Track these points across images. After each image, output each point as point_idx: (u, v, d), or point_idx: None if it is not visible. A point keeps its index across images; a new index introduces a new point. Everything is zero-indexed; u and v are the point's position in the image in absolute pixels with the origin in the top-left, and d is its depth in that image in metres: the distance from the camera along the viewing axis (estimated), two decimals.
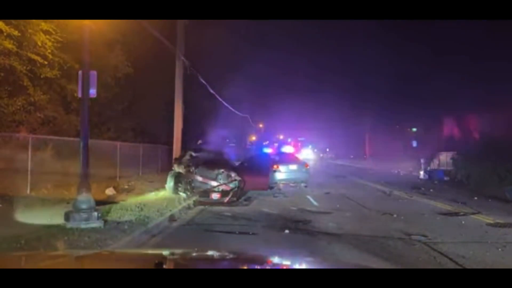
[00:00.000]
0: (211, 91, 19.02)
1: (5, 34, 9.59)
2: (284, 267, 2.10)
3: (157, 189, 12.80)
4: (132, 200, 10.28)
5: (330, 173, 26.00)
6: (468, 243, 6.85)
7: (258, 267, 2.08)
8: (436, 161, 24.29)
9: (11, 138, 10.50)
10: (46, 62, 10.91)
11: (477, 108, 27.15)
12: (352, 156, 48.17)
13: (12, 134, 10.64)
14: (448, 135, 32.40)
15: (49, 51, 10.75)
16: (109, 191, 11.20)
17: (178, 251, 2.51)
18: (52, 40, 10.79)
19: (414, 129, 40.69)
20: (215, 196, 11.54)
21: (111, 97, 15.47)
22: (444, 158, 23.84)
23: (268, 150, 21.38)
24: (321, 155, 61.07)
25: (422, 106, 34.45)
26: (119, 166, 15.09)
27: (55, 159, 11.57)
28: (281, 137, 43.81)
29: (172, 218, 8.61)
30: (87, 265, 2.08)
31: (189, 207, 10.41)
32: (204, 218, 9.30)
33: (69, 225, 6.66)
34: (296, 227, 8.00)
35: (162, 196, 11.33)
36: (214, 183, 11.80)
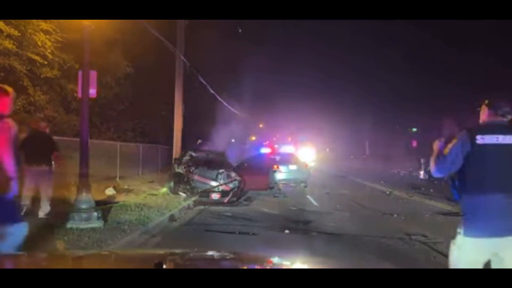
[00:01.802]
0: (211, 91, 19.03)
1: (5, 34, 9.59)
2: (284, 267, 2.10)
3: (157, 189, 12.79)
4: (132, 200, 10.27)
5: (330, 173, 25.99)
6: None
7: (258, 267, 2.07)
8: None
9: None
10: (46, 62, 10.91)
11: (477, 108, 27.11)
12: (352, 156, 48.21)
13: None
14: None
15: (49, 51, 10.75)
16: (109, 191, 11.19)
17: (178, 251, 2.51)
18: (52, 40, 10.79)
19: (414, 129, 40.70)
20: (215, 196, 11.53)
21: (111, 97, 15.48)
22: None
23: (266, 150, 21.31)
24: (321, 155, 61.07)
25: (422, 106, 34.48)
26: (119, 166, 15.07)
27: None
28: (280, 137, 43.80)
29: (172, 218, 8.61)
30: (87, 265, 2.08)
31: (189, 207, 10.41)
32: (204, 218, 9.30)
33: (69, 225, 6.66)
34: (296, 227, 8.00)
35: (162, 196, 11.32)
36: (214, 183, 11.79)
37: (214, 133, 19.76)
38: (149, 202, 10.03)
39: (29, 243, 5.48)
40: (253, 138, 38.98)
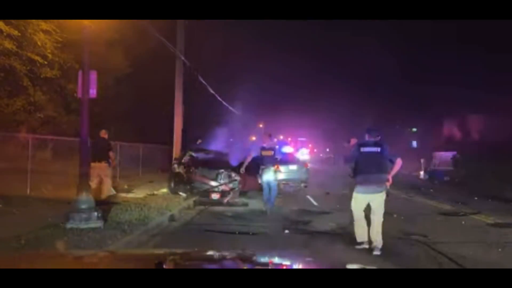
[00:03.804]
0: (211, 91, 19.02)
1: (5, 34, 9.59)
2: (284, 267, 2.10)
3: (157, 189, 12.79)
4: (132, 200, 10.28)
5: (330, 173, 25.96)
6: (468, 243, 6.85)
7: (258, 267, 2.07)
8: (436, 161, 24.27)
9: (11, 138, 10.50)
10: (46, 62, 10.91)
11: (477, 109, 27.19)
12: None
13: (12, 134, 10.64)
14: (448, 135, 32.41)
15: (49, 51, 10.75)
16: (109, 191, 11.18)
17: (178, 251, 2.51)
18: (52, 40, 10.78)
19: (414, 129, 40.69)
20: (215, 196, 11.52)
21: (111, 97, 15.47)
22: (444, 158, 23.83)
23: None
24: (321, 155, 61.09)
25: (422, 106, 34.46)
26: (119, 166, 15.07)
27: (55, 159, 11.58)
28: (281, 137, 43.74)
29: (172, 218, 8.61)
30: (87, 265, 2.08)
31: (189, 207, 10.41)
32: (204, 218, 9.31)
33: (69, 225, 6.65)
34: (296, 227, 8.00)
35: (162, 196, 11.32)
36: (214, 183, 11.79)
37: (215, 133, 19.76)
38: (149, 202, 10.03)
39: (30, 243, 5.51)
40: (253, 138, 38.93)
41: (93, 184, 9.82)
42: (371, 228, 6.15)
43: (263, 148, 10.31)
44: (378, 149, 6.15)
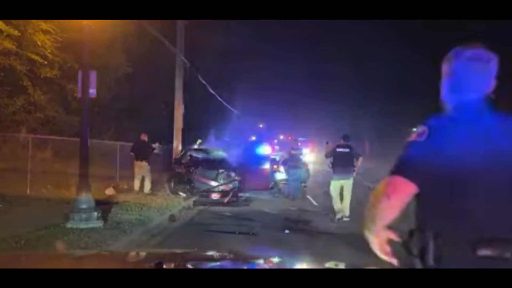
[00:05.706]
0: (211, 91, 19.03)
1: (5, 34, 9.59)
2: (284, 267, 2.10)
3: (157, 189, 12.79)
4: (132, 200, 10.27)
5: (330, 173, 25.97)
6: None
7: (258, 267, 2.07)
8: None
9: (11, 138, 10.50)
10: (46, 62, 10.91)
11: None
12: None
13: (12, 134, 10.64)
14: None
15: (49, 51, 10.75)
16: (109, 191, 11.18)
17: (178, 251, 2.51)
18: (52, 40, 10.79)
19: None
20: (215, 196, 11.52)
21: (111, 97, 15.47)
22: None
23: (266, 150, 21.26)
24: (321, 155, 61.01)
25: (422, 105, 34.45)
26: (119, 166, 15.05)
27: (55, 159, 11.58)
28: (281, 137, 43.64)
29: (172, 218, 8.61)
30: (87, 265, 2.08)
31: (189, 207, 10.41)
32: (204, 218, 9.31)
33: (69, 225, 6.65)
34: (296, 227, 8.00)
35: (162, 196, 11.32)
36: (214, 183, 11.78)
37: (215, 133, 19.77)
38: (149, 202, 10.03)
39: (30, 243, 5.51)
40: (253, 138, 38.91)
41: (137, 182, 11.92)
42: (343, 203, 8.79)
43: (292, 149, 13.86)
44: (348, 150, 8.99)
